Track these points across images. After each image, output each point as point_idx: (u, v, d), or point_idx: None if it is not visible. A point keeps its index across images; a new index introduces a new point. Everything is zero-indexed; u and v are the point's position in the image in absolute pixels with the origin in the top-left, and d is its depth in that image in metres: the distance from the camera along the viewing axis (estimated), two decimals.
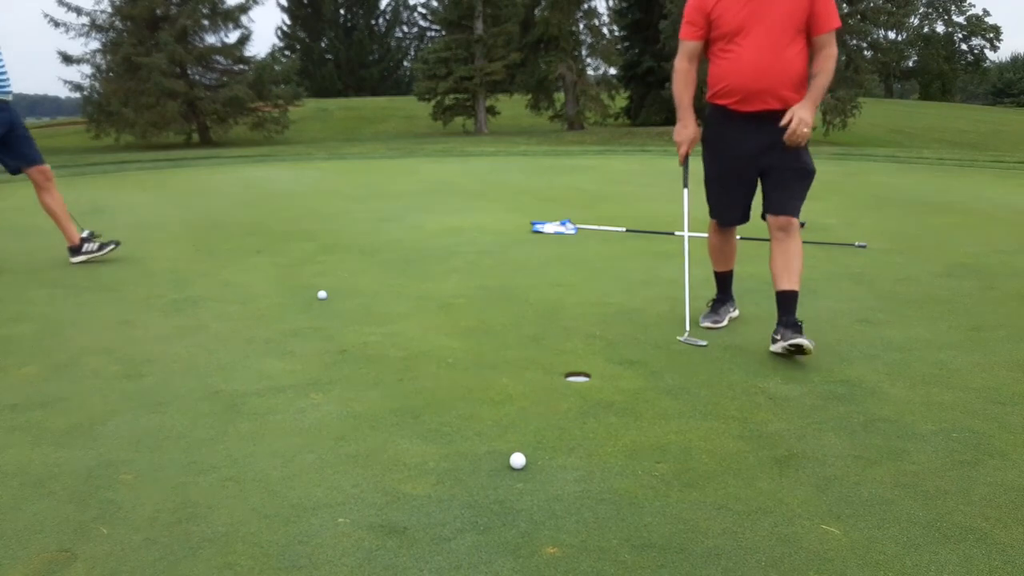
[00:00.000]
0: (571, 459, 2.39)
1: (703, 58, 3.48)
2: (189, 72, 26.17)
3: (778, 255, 3.36)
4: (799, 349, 3.16)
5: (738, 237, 5.85)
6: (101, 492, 2.21)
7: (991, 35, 59.53)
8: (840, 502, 2.13)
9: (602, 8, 72.82)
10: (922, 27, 59.82)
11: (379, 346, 3.45)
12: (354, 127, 30.98)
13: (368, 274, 4.85)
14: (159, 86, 23.86)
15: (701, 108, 3.50)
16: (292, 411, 2.76)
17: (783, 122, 3.19)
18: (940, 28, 60.42)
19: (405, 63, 49.32)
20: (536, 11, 31.41)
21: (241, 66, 27.25)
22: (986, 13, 60.82)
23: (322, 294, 4.26)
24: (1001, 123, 38.71)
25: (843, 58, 28.75)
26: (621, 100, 36.35)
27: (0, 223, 7.05)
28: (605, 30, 33.72)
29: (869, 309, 3.97)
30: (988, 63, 62.91)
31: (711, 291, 4.33)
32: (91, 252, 5.26)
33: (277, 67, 28.26)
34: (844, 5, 28.81)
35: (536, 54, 31.35)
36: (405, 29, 41.79)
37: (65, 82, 26.53)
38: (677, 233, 6.06)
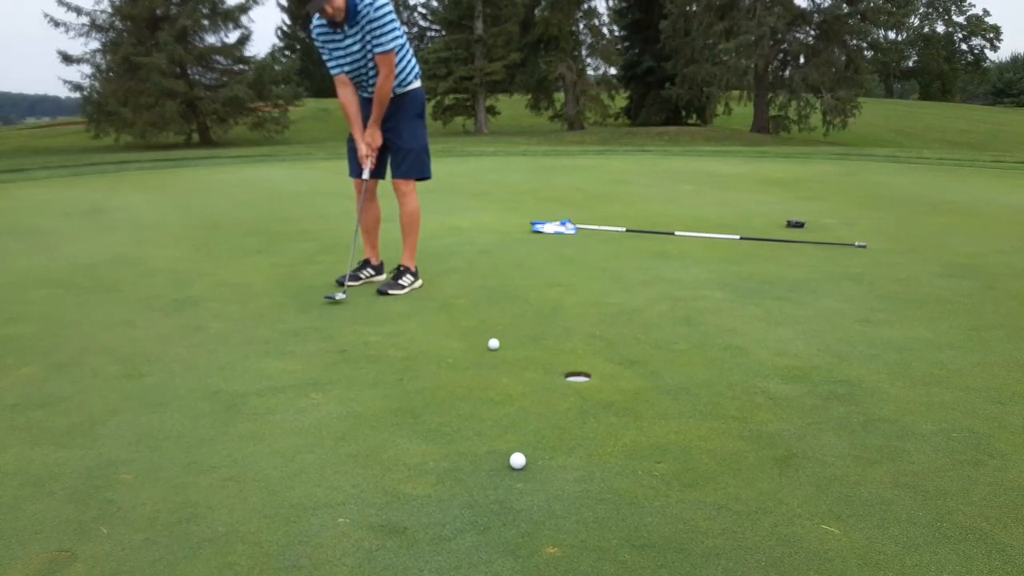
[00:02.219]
0: (571, 459, 2.39)
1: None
2: (189, 72, 26.18)
3: None
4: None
5: (738, 237, 5.87)
6: (101, 492, 2.21)
7: (991, 35, 59.55)
8: (840, 502, 2.13)
9: (602, 8, 72.75)
10: (922, 27, 59.85)
11: (379, 346, 3.45)
12: None
13: None
14: (158, 86, 23.86)
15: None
16: (292, 411, 2.76)
17: None
18: (940, 28, 60.48)
19: None
20: (536, 11, 31.41)
21: (241, 66, 27.25)
22: (986, 13, 60.91)
23: (494, 343, 3.44)
24: (1001, 123, 38.72)
25: (843, 58, 28.77)
26: (621, 100, 36.37)
27: (0, 223, 7.05)
28: (605, 30, 33.75)
29: (869, 309, 3.97)
30: (988, 63, 62.94)
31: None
32: None
33: (277, 67, 28.27)
34: (844, 5, 28.80)
35: (536, 54, 31.36)
36: (405, 29, 41.95)
37: (65, 82, 26.52)
38: (678, 233, 6.06)
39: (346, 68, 4.22)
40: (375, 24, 3.97)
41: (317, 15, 4.10)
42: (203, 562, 1.88)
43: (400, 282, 4.36)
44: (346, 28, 4.06)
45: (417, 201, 4.47)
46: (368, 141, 4.30)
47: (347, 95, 4.31)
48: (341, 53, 4.17)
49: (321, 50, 4.27)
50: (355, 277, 4.52)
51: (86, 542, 1.97)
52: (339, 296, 4.18)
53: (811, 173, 11.23)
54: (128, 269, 5.08)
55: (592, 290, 4.40)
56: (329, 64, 4.27)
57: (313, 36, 4.27)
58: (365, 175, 4.39)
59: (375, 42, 4.02)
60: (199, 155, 15.85)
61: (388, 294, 4.28)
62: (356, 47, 4.10)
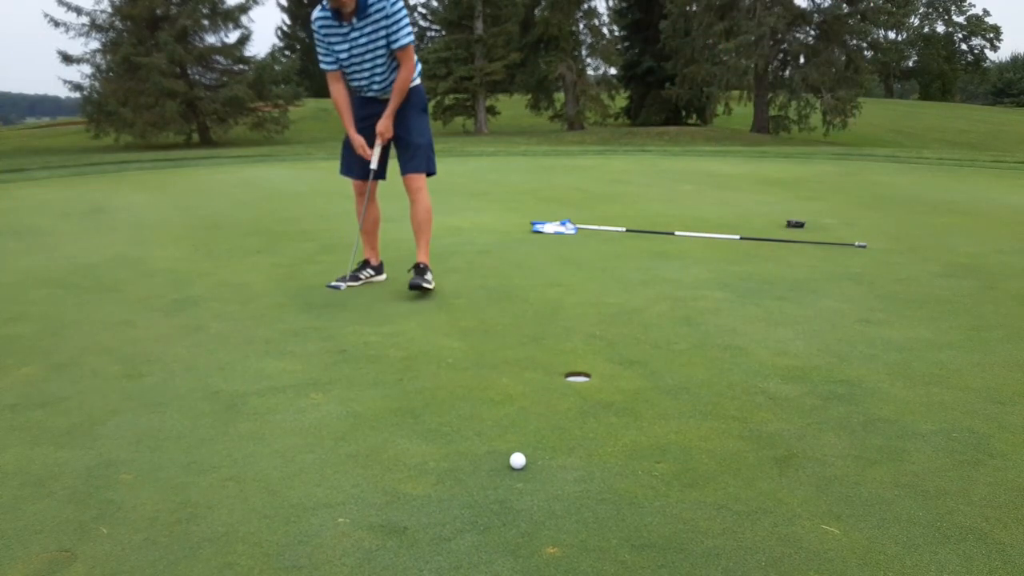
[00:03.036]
0: (571, 459, 2.39)
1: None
2: (189, 72, 26.18)
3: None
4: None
5: (738, 237, 5.87)
6: (101, 492, 2.21)
7: (991, 35, 59.58)
8: (840, 502, 2.13)
9: (602, 8, 72.80)
10: (922, 27, 59.87)
11: (379, 346, 3.45)
12: None
13: None
14: (158, 86, 23.86)
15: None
16: (292, 411, 2.76)
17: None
18: (940, 28, 60.49)
19: None
20: (536, 11, 31.41)
21: (241, 66, 27.25)
22: (986, 13, 60.99)
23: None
24: (1001, 123, 38.72)
25: (843, 58, 28.77)
26: (621, 100, 36.38)
27: (0, 223, 7.05)
28: (605, 30, 33.75)
29: (869, 309, 3.97)
30: (988, 63, 62.97)
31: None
32: None
33: (277, 67, 28.25)
34: (844, 5, 28.80)
35: (536, 54, 31.37)
36: None
37: (65, 82, 26.54)
38: (678, 233, 6.06)
39: (344, 62, 4.19)
40: (393, 19, 4.02)
41: (321, 5, 4.08)
42: (203, 562, 1.88)
43: (427, 277, 4.32)
44: (355, 21, 4.04)
45: (429, 196, 4.45)
46: (380, 131, 4.27)
47: (339, 91, 4.29)
48: (345, 46, 4.12)
49: (319, 43, 4.20)
50: (355, 277, 4.52)
51: (86, 542, 1.97)
52: (342, 286, 4.39)
53: (811, 173, 11.23)
54: (128, 269, 5.08)
55: (592, 290, 4.40)
56: (325, 58, 4.22)
57: (314, 28, 4.21)
58: (373, 165, 4.36)
59: (394, 36, 4.06)
60: (199, 155, 15.85)
61: (423, 287, 4.24)
62: (362, 40, 4.08)
